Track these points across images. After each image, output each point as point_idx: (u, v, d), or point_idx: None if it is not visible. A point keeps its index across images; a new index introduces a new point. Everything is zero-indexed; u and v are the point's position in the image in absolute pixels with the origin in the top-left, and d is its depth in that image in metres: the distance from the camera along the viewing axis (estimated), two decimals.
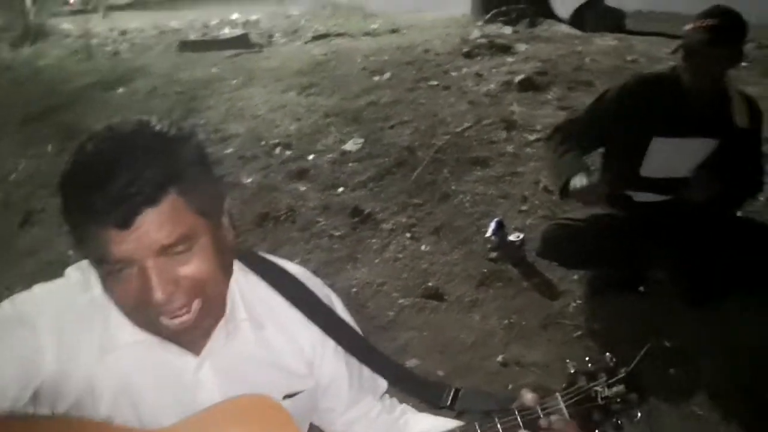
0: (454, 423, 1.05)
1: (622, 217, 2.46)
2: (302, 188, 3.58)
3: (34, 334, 0.87)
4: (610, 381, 0.98)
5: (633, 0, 7.10)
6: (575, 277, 2.68)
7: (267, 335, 1.01)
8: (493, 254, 2.84)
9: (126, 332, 0.91)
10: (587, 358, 1.01)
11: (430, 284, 2.73)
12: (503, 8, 6.29)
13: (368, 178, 3.53)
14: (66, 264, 0.99)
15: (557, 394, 0.99)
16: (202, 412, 0.93)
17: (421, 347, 2.41)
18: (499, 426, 0.97)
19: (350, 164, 3.70)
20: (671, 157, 2.34)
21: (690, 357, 2.28)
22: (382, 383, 1.16)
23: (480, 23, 6.24)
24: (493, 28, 5.86)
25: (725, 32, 2.16)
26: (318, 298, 1.06)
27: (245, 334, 0.99)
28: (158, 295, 0.80)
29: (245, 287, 1.01)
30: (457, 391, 1.08)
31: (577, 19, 6.31)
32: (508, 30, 5.66)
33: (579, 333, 2.43)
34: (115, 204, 0.76)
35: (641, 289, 2.53)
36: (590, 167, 2.41)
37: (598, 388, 0.98)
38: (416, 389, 1.12)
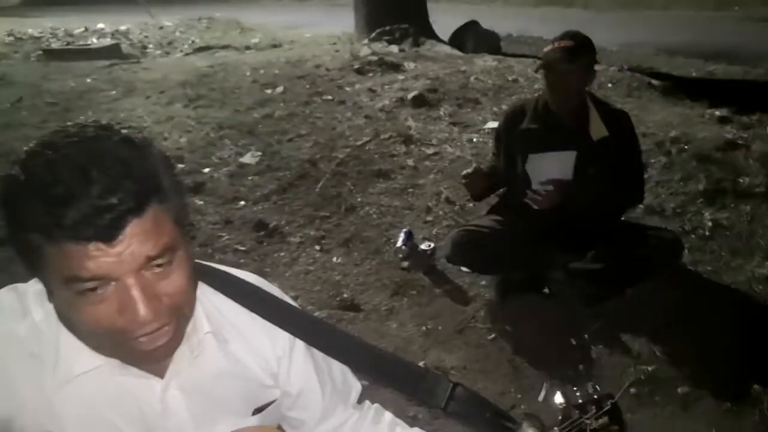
0: None
1: (522, 223, 2.60)
2: (199, 202, 3.43)
3: None
4: (598, 414, 0.99)
5: (505, 24, 7.60)
6: (483, 282, 2.79)
7: (231, 348, 0.96)
8: (405, 264, 2.89)
9: (82, 358, 0.82)
10: (575, 388, 1.03)
11: (345, 296, 2.73)
12: (387, 27, 6.47)
13: (270, 191, 3.46)
14: None
15: (555, 428, 1.00)
16: None
17: None
18: None
19: (250, 177, 3.61)
20: (545, 170, 2.54)
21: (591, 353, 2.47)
22: (356, 386, 1.12)
23: (365, 41, 6.36)
24: (380, 47, 5.99)
25: (578, 51, 2.41)
26: (276, 298, 1.01)
27: (210, 348, 0.93)
28: (142, 312, 0.73)
29: (204, 300, 0.95)
30: (454, 386, 1.00)
31: (457, 40, 6.62)
32: (395, 48, 5.82)
33: (493, 336, 2.53)
34: (96, 216, 0.68)
35: (546, 291, 2.68)
36: None
37: (587, 421, 1.00)
38: (402, 380, 1.01)
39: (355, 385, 1.12)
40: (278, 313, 0.99)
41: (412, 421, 1.82)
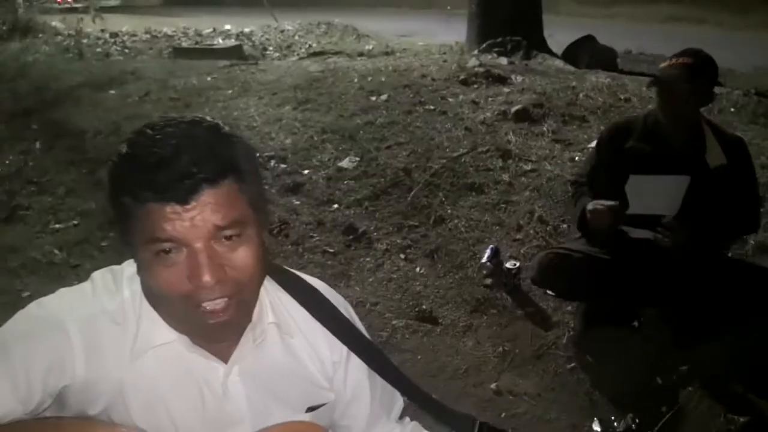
0: None
1: (617, 251, 2.48)
2: (296, 202, 3.56)
3: (66, 338, 0.86)
4: None
5: (626, 41, 7.28)
6: (569, 308, 2.69)
7: (293, 344, 1.01)
8: (488, 281, 2.84)
9: (158, 333, 0.90)
10: (612, 417, 1.02)
11: (424, 307, 2.72)
12: (498, 39, 6.39)
13: (363, 196, 3.52)
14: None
15: None
16: None
17: (414, 370, 2.39)
18: None
19: (345, 182, 3.69)
20: (649, 194, 2.38)
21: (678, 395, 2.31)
22: (399, 401, 1.15)
23: (475, 52, 6.32)
24: (489, 58, 5.94)
25: (697, 70, 2.24)
26: (339, 313, 1.06)
27: (272, 340, 0.99)
28: (206, 277, 0.81)
29: (271, 294, 1.01)
30: (482, 425, 1.06)
31: (570, 55, 6.43)
32: (503, 61, 5.74)
33: (572, 365, 2.43)
34: (177, 180, 0.78)
35: (635, 324, 2.54)
36: None
37: None
38: (435, 415, 1.11)
39: (398, 401, 1.16)
40: (336, 326, 1.04)
41: None
